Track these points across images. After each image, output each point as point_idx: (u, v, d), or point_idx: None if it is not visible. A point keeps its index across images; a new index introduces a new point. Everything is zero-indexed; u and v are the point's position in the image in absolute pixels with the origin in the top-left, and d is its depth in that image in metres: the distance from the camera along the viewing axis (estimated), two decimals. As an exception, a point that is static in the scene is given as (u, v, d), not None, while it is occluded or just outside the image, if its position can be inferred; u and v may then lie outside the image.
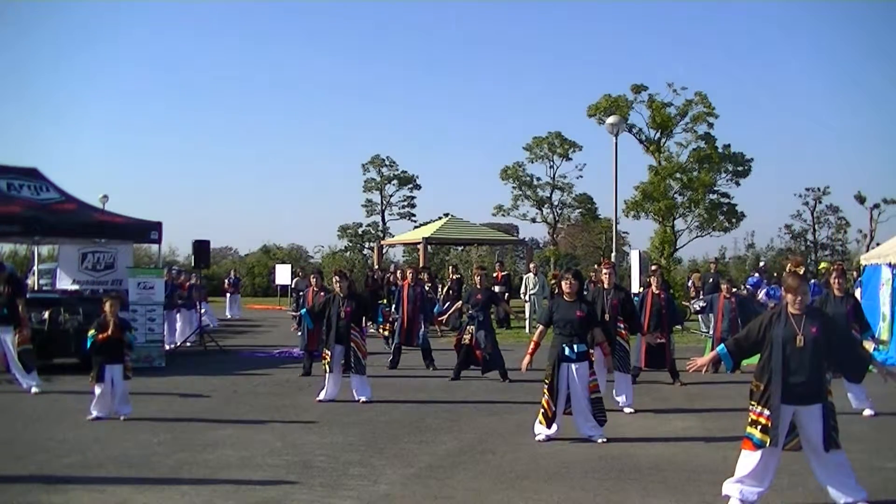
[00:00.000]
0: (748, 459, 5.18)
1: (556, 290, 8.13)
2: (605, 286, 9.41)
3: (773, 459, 5.14)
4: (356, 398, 9.28)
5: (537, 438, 7.32)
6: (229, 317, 24.59)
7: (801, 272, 5.11)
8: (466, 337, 11.17)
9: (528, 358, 7.65)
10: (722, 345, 5.58)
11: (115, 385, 8.26)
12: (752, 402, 5.23)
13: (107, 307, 8.38)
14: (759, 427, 5.13)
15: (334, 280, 9.66)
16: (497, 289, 19.67)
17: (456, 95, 72.69)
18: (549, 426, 7.29)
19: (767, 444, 5.07)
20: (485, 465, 6.47)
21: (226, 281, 26.66)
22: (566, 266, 8.72)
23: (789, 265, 5.43)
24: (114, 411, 8.27)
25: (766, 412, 5.11)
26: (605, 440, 7.19)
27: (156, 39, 70.79)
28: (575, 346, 7.25)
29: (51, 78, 69.17)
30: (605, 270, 9.64)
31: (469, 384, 10.89)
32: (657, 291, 10.91)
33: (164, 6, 67.94)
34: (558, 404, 7.25)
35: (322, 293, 11.59)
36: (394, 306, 12.95)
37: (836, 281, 8.76)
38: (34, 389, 9.81)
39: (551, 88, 71.41)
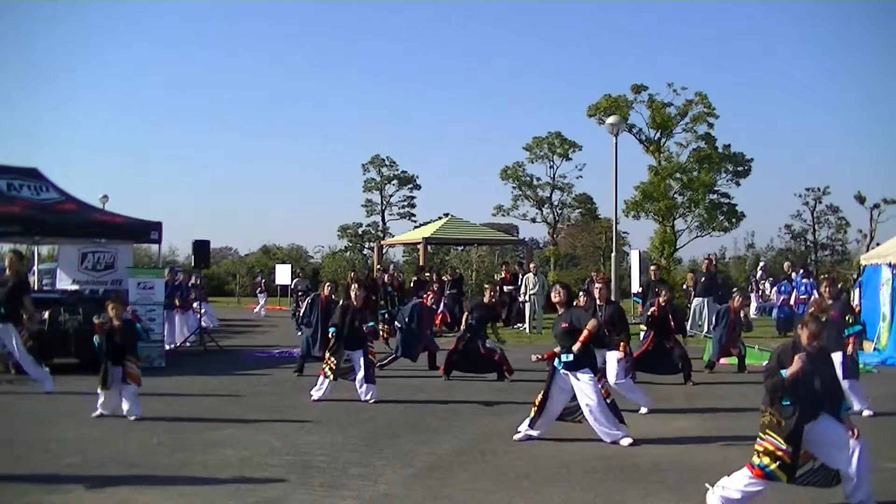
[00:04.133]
0: (750, 486, 5.15)
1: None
2: (598, 301, 9.47)
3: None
4: (365, 399, 9.29)
5: (515, 437, 7.35)
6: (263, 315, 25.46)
7: (823, 318, 5.19)
8: (461, 343, 11.28)
9: (539, 355, 7.66)
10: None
11: (123, 386, 8.30)
12: (770, 433, 5.14)
13: (110, 311, 8.42)
14: (776, 460, 5.06)
15: (353, 288, 9.72)
16: (507, 288, 19.92)
17: (456, 95, 72.87)
18: (531, 426, 7.32)
19: (785, 481, 5.09)
20: (485, 465, 6.47)
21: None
22: (555, 282, 8.75)
23: (812, 308, 5.41)
24: (124, 411, 8.29)
25: (788, 448, 5.06)
26: (631, 442, 7.13)
27: (156, 39, 70.91)
28: (563, 356, 7.25)
29: (51, 78, 69.29)
30: (597, 285, 9.69)
31: (469, 384, 10.89)
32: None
33: (165, 6, 68.03)
34: (546, 408, 7.25)
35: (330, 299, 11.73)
36: (404, 318, 12.88)
37: (827, 290, 8.83)
38: (44, 388, 9.80)
39: (551, 88, 71.55)
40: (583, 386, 7.17)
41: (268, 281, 29.02)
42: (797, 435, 5.08)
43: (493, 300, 11.98)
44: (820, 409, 5.16)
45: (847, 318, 8.67)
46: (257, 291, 27.43)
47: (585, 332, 7.09)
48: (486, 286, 12.50)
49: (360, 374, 9.32)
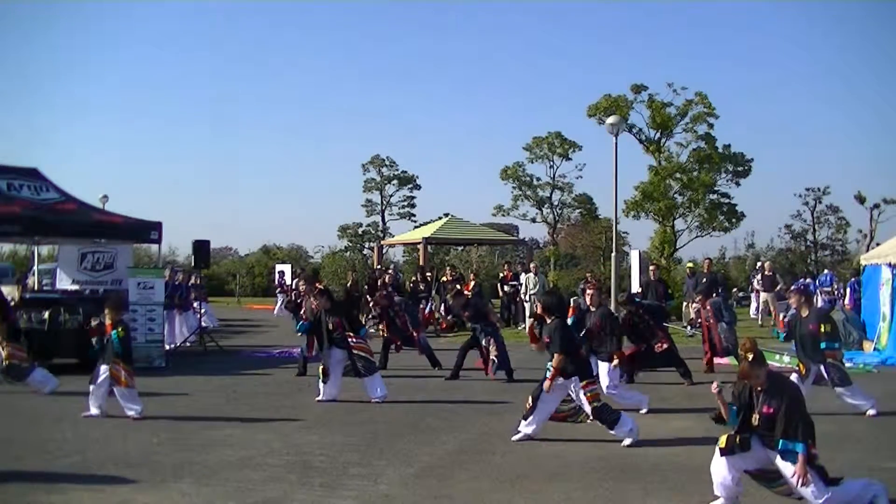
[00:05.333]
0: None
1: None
2: (590, 307, 9.46)
3: (732, 470, 5.21)
4: (370, 398, 9.30)
5: (514, 437, 7.35)
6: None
7: (752, 357, 5.18)
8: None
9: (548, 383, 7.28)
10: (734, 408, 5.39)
11: (116, 387, 8.30)
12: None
13: (107, 318, 8.43)
14: (727, 435, 5.27)
15: (313, 297, 9.77)
16: (506, 288, 20.04)
17: (456, 95, 72.88)
18: (524, 418, 7.34)
19: (719, 446, 5.22)
20: (485, 465, 6.47)
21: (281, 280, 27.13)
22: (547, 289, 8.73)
23: (740, 348, 5.40)
24: (124, 411, 8.30)
25: (737, 429, 5.27)
26: (630, 442, 7.15)
27: (156, 39, 70.90)
28: (548, 364, 7.32)
29: (52, 79, 69.29)
30: (589, 291, 9.66)
31: (469, 384, 10.89)
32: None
33: (164, 7, 68.04)
34: (537, 406, 7.27)
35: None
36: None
37: (796, 302, 8.71)
38: (45, 390, 9.84)
39: (551, 88, 71.54)
40: (573, 391, 7.26)
41: (267, 282, 28.79)
42: (745, 426, 5.22)
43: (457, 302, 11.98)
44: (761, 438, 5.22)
45: (822, 328, 8.37)
46: (277, 291, 27.11)
47: (552, 371, 7.14)
48: (449, 290, 12.51)
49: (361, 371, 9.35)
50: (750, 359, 5.15)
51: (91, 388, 8.36)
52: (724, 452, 5.21)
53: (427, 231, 26.66)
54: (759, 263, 25.96)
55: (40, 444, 7.11)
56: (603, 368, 8.94)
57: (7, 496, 5.56)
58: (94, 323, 8.59)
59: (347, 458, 6.69)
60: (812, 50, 59.90)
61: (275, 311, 25.56)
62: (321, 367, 9.43)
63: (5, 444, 7.10)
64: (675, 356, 10.94)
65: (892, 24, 56.88)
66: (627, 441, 7.15)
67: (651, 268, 15.77)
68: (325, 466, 6.40)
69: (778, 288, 20.24)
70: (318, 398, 9.37)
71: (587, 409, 7.19)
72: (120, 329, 8.35)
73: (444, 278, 20.08)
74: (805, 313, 8.56)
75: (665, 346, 10.84)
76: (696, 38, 63.41)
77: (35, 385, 9.87)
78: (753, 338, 5.46)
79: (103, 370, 8.29)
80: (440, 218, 31.44)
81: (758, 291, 21.23)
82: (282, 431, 7.75)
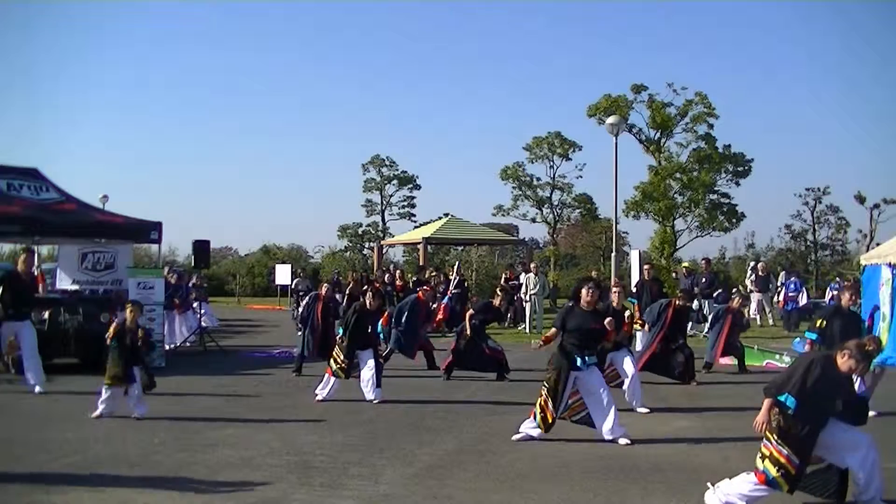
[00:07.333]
0: (754, 491, 5.08)
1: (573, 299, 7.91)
2: (615, 305, 9.47)
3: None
4: (370, 399, 9.29)
5: (515, 437, 7.32)
6: None
7: (871, 349, 5.13)
8: (462, 342, 11.26)
9: (541, 343, 7.60)
10: (789, 396, 5.04)
11: (132, 385, 8.32)
12: (779, 440, 5.03)
13: (128, 313, 8.46)
14: (780, 469, 4.99)
15: (369, 296, 9.73)
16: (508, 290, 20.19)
17: (456, 95, 72.88)
18: (546, 431, 7.23)
19: (784, 491, 5.01)
20: (485, 465, 6.47)
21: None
22: (587, 277, 8.58)
23: (866, 343, 5.28)
24: (131, 410, 8.29)
25: (796, 461, 4.99)
26: (629, 442, 7.14)
27: (156, 40, 70.92)
28: (587, 358, 7.19)
29: (52, 79, 69.30)
30: (614, 289, 9.71)
31: (469, 384, 10.89)
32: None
33: (164, 7, 68.05)
34: (558, 411, 7.22)
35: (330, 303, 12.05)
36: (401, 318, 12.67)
37: (851, 298, 8.70)
38: (38, 389, 9.82)
39: (551, 88, 71.55)
40: (598, 381, 7.25)
41: (267, 282, 28.57)
42: (808, 448, 5.03)
43: (502, 305, 12.10)
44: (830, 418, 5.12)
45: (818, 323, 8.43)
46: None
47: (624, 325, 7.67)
48: (499, 293, 12.34)
49: (368, 375, 9.33)
50: (871, 349, 5.13)
51: (129, 389, 8.30)
52: (792, 491, 5.03)
53: (427, 231, 26.69)
54: (753, 264, 26.02)
55: (40, 444, 7.11)
56: (625, 362, 9.14)
57: (7, 496, 5.55)
58: (105, 318, 8.64)
59: (347, 458, 6.69)
60: (812, 50, 60.01)
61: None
62: (343, 367, 9.31)
63: (5, 444, 7.10)
64: (690, 356, 10.99)
65: (893, 23, 56.90)
66: (625, 441, 7.15)
67: (645, 267, 15.71)
68: (325, 466, 6.40)
69: (771, 287, 20.29)
70: (317, 398, 9.37)
71: (607, 399, 7.19)
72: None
73: (451, 276, 20.12)
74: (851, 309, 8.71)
75: (679, 345, 10.96)
76: (696, 38, 63.53)
77: (33, 381, 9.84)
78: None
79: (137, 372, 8.31)
80: (440, 218, 31.45)
81: (752, 291, 21.30)
82: (282, 431, 7.74)
